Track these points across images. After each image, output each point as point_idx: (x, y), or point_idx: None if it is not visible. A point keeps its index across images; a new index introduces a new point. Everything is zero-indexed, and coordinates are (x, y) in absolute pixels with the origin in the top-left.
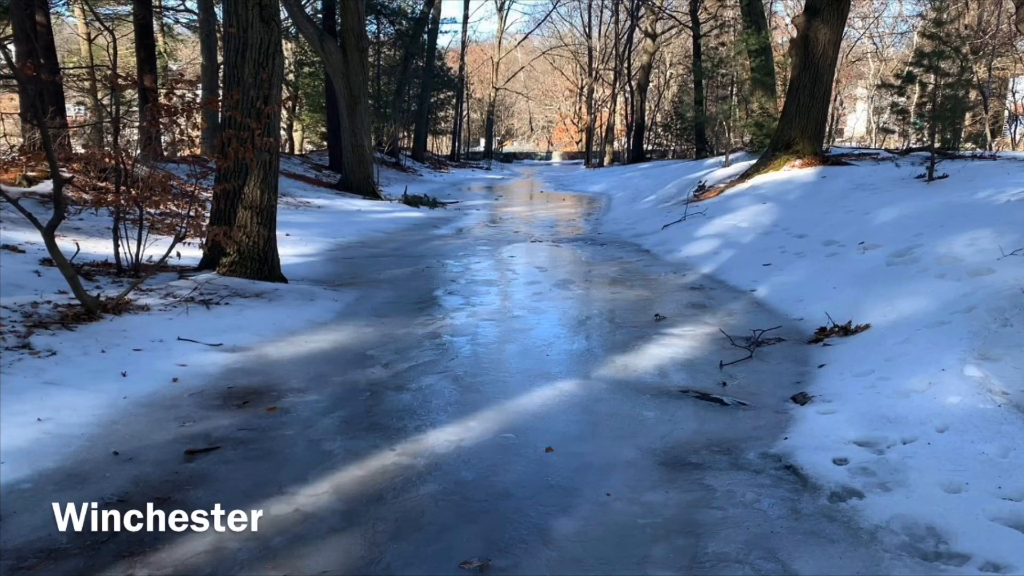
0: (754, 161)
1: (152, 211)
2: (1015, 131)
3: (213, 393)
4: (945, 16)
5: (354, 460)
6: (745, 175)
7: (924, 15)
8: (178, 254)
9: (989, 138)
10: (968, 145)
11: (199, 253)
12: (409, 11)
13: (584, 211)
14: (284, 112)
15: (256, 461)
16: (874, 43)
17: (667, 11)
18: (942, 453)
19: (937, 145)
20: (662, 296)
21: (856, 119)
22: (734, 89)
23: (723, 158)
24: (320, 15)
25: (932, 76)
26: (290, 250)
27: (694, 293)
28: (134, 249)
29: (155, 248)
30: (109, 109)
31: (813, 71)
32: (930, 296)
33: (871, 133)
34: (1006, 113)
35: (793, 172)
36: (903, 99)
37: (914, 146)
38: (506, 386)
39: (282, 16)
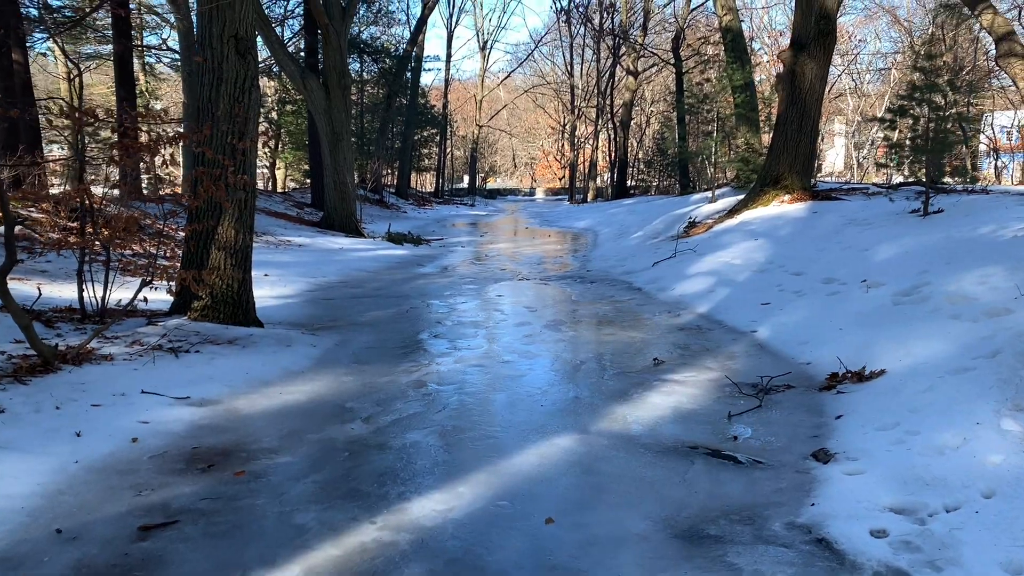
0: (740, 196)
1: (123, 252)
2: (996, 164)
3: (176, 455)
4: (934, 50)
5: (329, 536)
6: (733, 211)
7: (912, 47)
8: (145, 299)
9: (970, 171)
10: (948, 180)
11: (171, 297)
12: (392, 49)
13: (571, 247)
14: (266, 150)
15: (218, 538)
16: (853, 80)
17: (648, 48)
18: (994, 524)
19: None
20: (658, 338)
21: (836, 154)
22: (717, 125)
23: (709, 193)
24: (303, 52)
25: (924, 109)
26: (268, 291)
27: (692, 334)
28: (101, 293)
29: (125, 292)
30: (79, 147)
31: (800, 106)
32: (946, 339)
33: (851, 168)
34: (982, 148)
35: (783, 207)
36: (895, 133)
37: (904, 180)
38: (498, 443)
39: (264, 55)
